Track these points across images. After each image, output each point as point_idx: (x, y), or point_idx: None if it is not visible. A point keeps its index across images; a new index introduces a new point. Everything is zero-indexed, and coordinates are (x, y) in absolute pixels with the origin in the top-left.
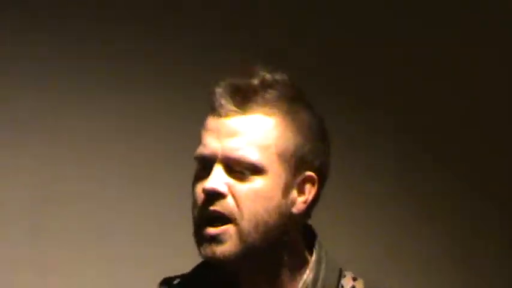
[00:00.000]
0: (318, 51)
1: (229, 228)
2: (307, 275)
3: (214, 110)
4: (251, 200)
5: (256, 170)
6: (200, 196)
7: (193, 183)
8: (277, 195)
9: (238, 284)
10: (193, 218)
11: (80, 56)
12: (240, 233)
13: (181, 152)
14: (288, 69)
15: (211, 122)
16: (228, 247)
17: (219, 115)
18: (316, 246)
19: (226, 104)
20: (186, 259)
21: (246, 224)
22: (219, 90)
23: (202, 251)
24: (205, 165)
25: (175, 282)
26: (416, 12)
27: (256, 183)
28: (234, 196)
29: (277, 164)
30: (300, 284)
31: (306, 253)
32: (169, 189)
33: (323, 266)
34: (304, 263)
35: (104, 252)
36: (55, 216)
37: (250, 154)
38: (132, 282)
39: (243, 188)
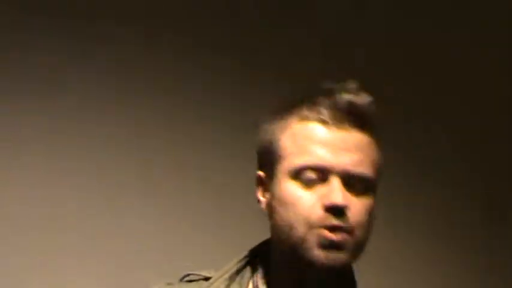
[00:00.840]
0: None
1: (349, 238)
2: None
3: (325, 122)
4: (364, 216)
5: (369, 187)
6: (312, 203)
7: (294, 188)
8: (374, 212)
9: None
10: (300, 220)
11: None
12: (356, 245)
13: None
14: None
15: (322, 133)
16: (345, 256)
17: (331, 128)
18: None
19: (342, 118)
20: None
21: (361, 237)
22: (332, 102)
23: (317, 255)
24: (316, 176)
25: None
26: (416, 11)
27: (368, 200)
28: (351, 210)
29: (377, 185)
30: None
31: None
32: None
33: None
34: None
35: (105, 258)
36: (57, 221)
37: (368, 171)
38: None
39: (358, 203)
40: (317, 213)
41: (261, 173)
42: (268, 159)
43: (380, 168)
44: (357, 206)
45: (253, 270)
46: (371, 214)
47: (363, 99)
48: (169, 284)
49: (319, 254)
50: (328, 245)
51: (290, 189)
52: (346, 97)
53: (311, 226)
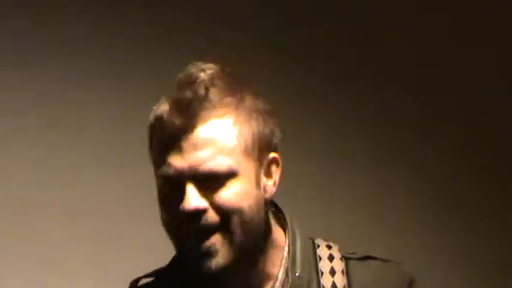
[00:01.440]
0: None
1: (217, 237)
2: (285, 258)
3: (165, 129)
4: (233, 203)
5: (229, 175)
6: (178, 216)
7: (162, 200)
8: (252, 189)
9: (220, 275)
10: (175, 236)
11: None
12: (229, 238)
13: None
14: None
15: (167, 140)
16: (221, 258)
17: (174, 132)
18: (288, 224)
19: (177, 120)
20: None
21: (233, 227)
22: (165, 110)
23: (198, 269)
24: (174, 184)
25: (148, 280)
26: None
27: (233, 186)
28: (215, 206)
29: (245, 161)
30: (281, 267)
31: (279, 230)
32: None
33: (298, 241)
34: (281, 242)
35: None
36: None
37: (220, 163)
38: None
39: (221, 195)
40: (179, 222)
41: None
42: None
43: (244, 144)
44: (221, 200)
45: None
46: (246, 196)
47: (187, 91)
48: None
49: (191, 267)
50: (199, 255)
51: (159, 195)
52: (170, 99)
53: (180, 236)
